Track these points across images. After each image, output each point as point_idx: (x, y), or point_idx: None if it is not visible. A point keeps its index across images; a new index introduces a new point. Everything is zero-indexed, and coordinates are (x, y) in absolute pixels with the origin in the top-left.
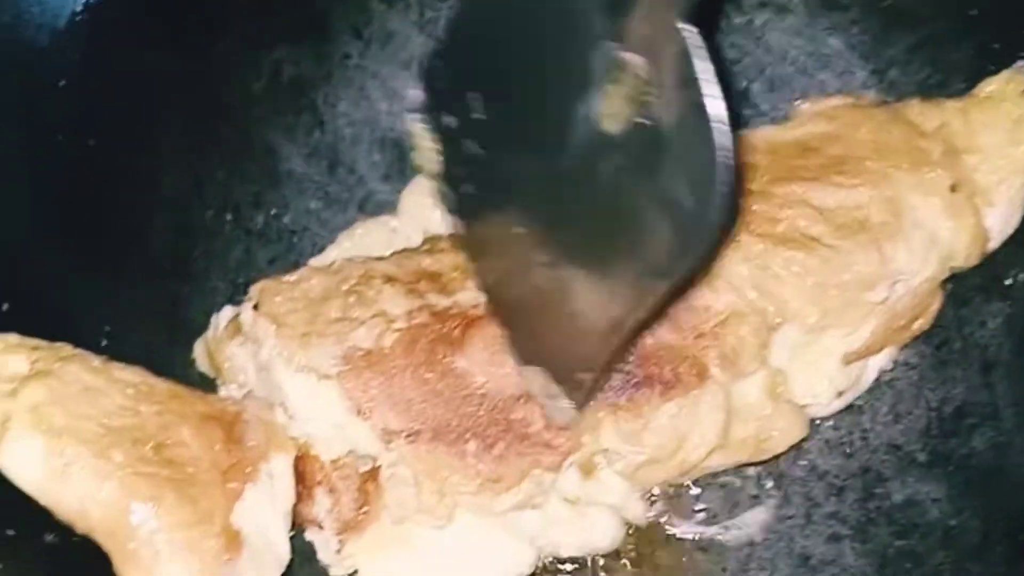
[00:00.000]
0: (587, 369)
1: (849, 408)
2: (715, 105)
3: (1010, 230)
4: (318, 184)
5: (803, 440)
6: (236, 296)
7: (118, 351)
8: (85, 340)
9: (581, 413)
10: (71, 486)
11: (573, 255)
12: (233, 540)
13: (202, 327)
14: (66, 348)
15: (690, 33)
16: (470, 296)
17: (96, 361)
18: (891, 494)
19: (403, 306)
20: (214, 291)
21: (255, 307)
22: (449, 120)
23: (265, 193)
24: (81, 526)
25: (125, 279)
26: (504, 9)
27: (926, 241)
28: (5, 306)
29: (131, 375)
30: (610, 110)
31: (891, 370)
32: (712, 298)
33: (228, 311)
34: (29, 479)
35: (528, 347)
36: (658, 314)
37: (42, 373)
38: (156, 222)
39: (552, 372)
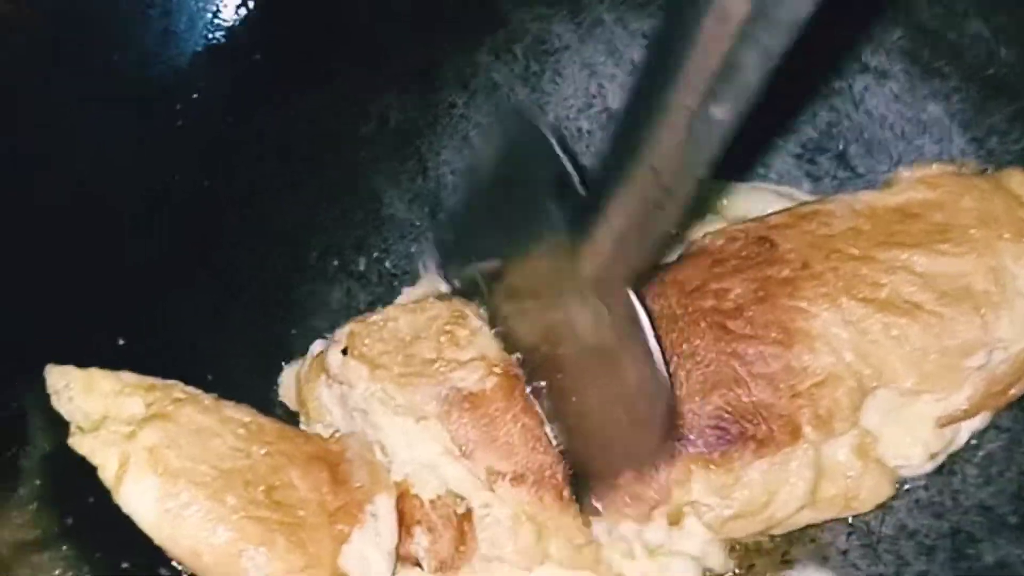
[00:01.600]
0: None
1: (940, 469)
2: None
3: None
4: (419, 229)
5: (893, 499)
6: None
7: (222, 387)
8: (192, 375)
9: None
10: (185, 528)
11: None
12: None
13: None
14: (179, 387)
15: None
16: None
17: (207, 400)
18: (982, 555)
19: (498, 348)
20: (315, 332)
21: (344, 351)
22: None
23: (368, 237)
24: (193, 566)
25: (232, 317)
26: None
27: None
28: (121, 340)
29: (241, 414)
30: (582, 327)
31: (983, 432)
32: (810, 359)
33: (318, 345)
34: (145, 519)
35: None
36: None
37: (158, 415)
38: (263, 262)
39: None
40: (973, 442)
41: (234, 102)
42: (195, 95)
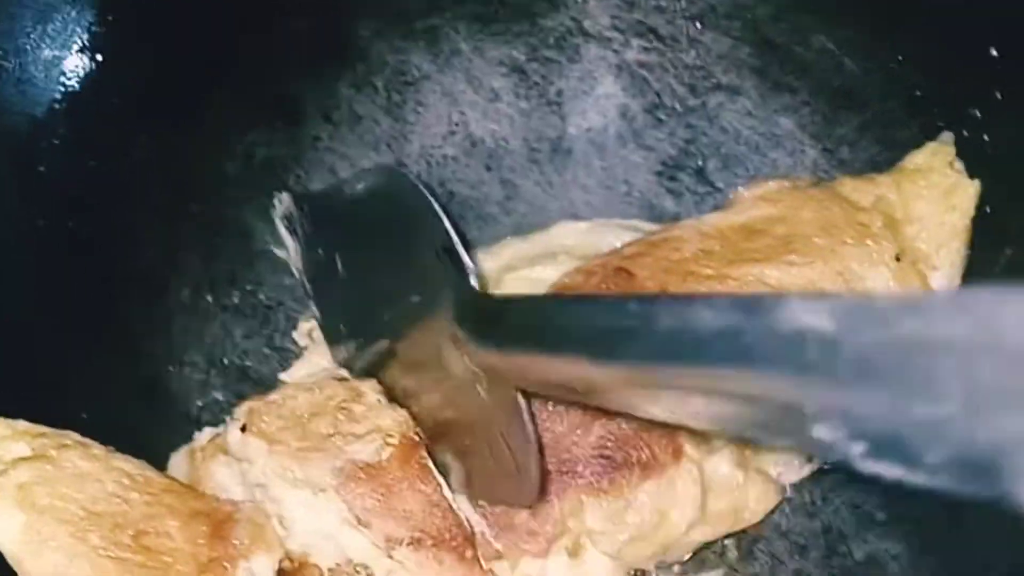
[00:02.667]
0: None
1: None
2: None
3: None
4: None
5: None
6: (213, 370)
7: (99, 428)
8: (67, 418)
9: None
10: (44, 560)
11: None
12: None
13: (180, 403)
14: (72, 436)
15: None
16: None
17: (97, 449)
18: (852, 552)
19: (394, 419)
20: (192, 366)
21: (243, 428)
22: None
23: (240, 271)
24: None
25: (104, 357)
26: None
27: None
28: None
29: (130, 467)
30: (453, 367)
31: None
32: None
33: (207, 432)
34: (7, 550)
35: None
36: None
37: (39, 457)
38: (135, 301)
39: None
40: None
41: (96, 146)
42: (56, 141)
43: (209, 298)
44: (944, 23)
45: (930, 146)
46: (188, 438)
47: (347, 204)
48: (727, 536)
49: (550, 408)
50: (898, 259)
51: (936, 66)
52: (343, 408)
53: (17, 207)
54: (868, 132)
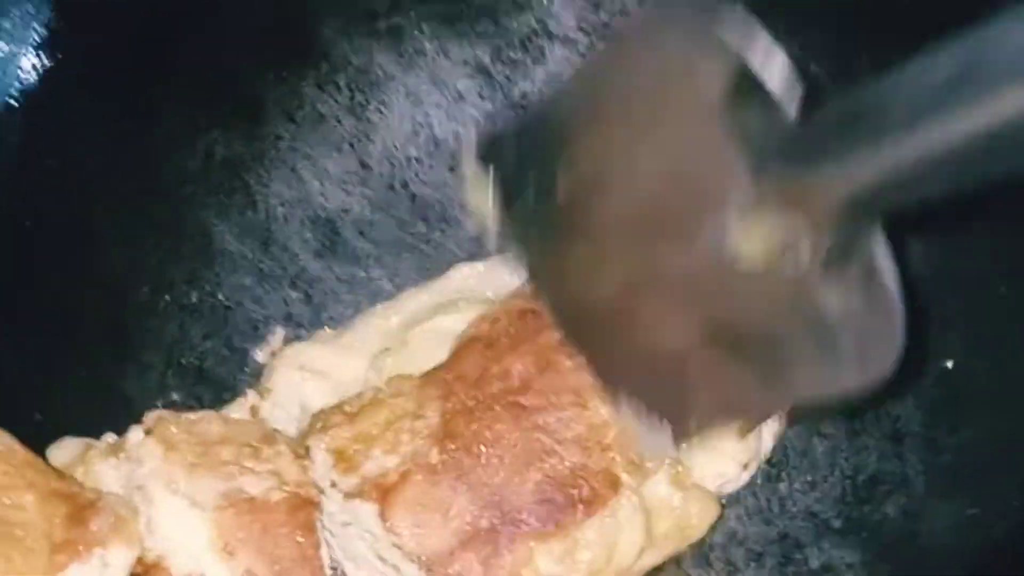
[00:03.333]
0: (703, 425)
1: (767, 477)
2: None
3: None
4: (251, 261)
5: (723, 508)
6: (170, 369)
7: (52, 428)
8: (19, 417)
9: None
10: None
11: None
12: None
13: (137, 404)
14: None
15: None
16: (375, 466)
17: None
18: (808, 560)
19: (299, 476)
20: (149, 367)
21: (147, 431)
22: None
23: (199, 271)
24: None
25: (60, 357)
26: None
27: None
28: None
29: None
30: (746, 249)
31: (808, 439)
32: (608, 411)
33: (110, 436)
34: None
35: (634, 388)
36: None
37: None
38: (91, 301)
39: (663, 415)
40: (798, 448)
41: (54, 145)
42: (13, 139)
43: (167, 298)
44: (916, 30)
45: None
46: None
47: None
48: None
49: (484, 461)
50: None
51: None
52: (252, 447)
53: None
54: None
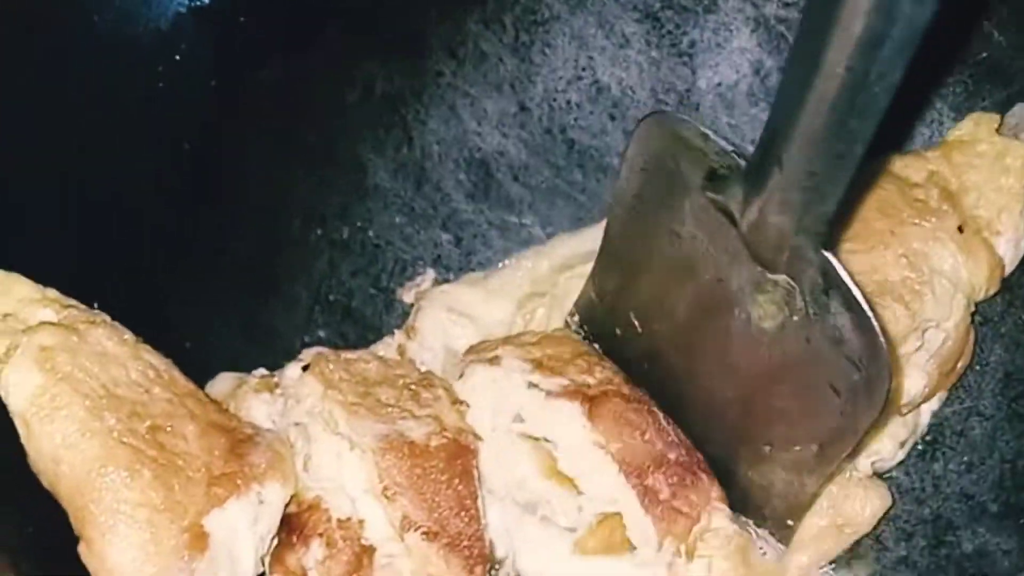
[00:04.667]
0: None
1: (921, 456)
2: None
3: (1021, 253)
4: (403, 200)
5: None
6: (317, 305)
7: (201, 354)
8: (171, 346)
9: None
10: (52, 429)
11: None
12: (198, 540)
13: (283, 338)
14: (102, 316)
15: (827, 257)
16: (576, 377)
17: (128, 335)
18: (961, 543)
19: (457, 422)
20: (297, 302)
21: (305, 368)
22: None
23: (351, 206)
24: (48, 474)
25: (211, 284)
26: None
27: (948, 285)
28: (95, 304)
29: (158, 361)
30: (764, 313)
31: (965, 419)
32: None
33: (260, 371)
34: (16, 408)
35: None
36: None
37: (66, 327)
38: (244, 229)
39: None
40: (956, 429)
41: (217, 65)
42: (177, 56)
43: (318, 232)
44: None
45: (972, 116)
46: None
47: None
48: None
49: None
50: (961, 230)
51: None
52: (411, 389)
53: (134, 120)
54: (1011, 107)
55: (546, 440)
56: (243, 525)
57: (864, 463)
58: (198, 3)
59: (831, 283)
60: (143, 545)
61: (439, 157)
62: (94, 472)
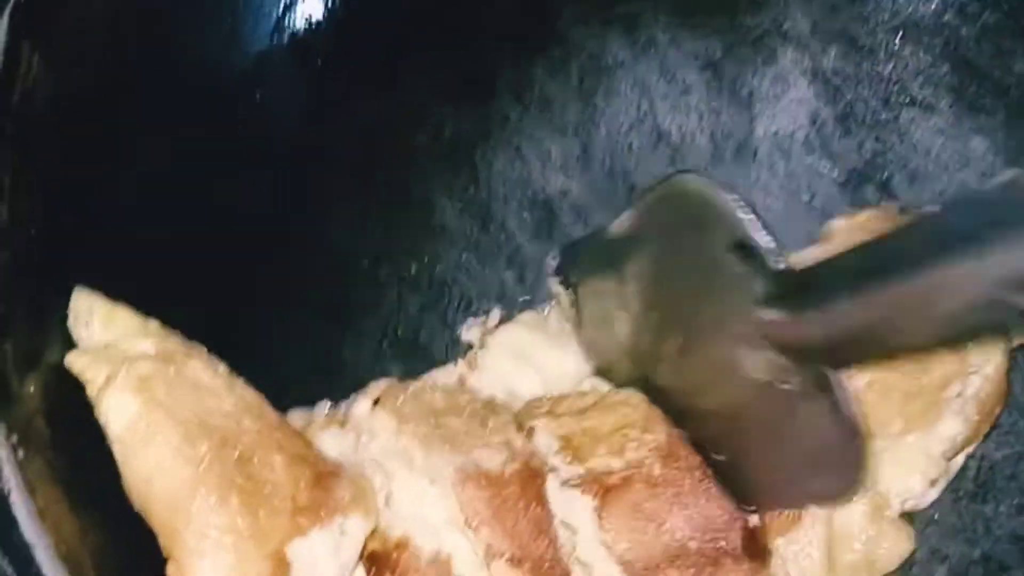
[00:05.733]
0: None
1: (973, 498)
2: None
3: None
4: (470, 238)
5: (927, 524)
6: (386, 339)
7: (271, 388)
8: (240, 375)
9: None
10: (149, 453)
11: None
12: (281, 567)
13: (352, 371)
14: (198, 348)
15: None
16: (600, 463)
17: (222, 368)
18: None
19: (525, 446)
20: (365, 335)
21: (375, 402)
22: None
23: (419, 243)
24: (139, 494)
25: (284, 318)
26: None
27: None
28: None
29: (250, 395)
30: (755, 367)
31: (1016, 463)
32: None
33: (325, 404)
34: (114, 430)
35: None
36: None
37: (165, 359)
38: (317, 266)
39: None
40: (1007, 472)
41: (294, 106)
42: (257, 97)
43: (388, 268)
44: None
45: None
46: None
47: (616, 240)
48: None
49: (703, 487)
50: None
51: None
52: (478, 416)
53: (214, 159)
54: None
55: (565, 524)
56: (325, 555)
57: (895, 502)
58: (279, 45)
59: (827, 387)
60: (228, 569)
61: (504, 197)
62: (185, 496)
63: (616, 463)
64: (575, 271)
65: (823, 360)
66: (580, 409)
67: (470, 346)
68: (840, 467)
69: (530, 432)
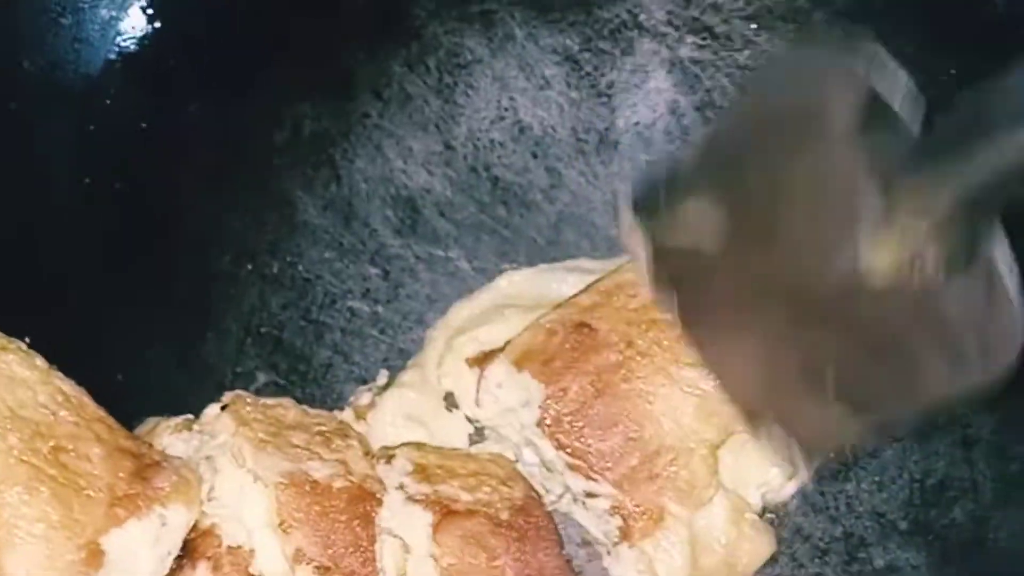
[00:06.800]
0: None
1: (835, 476)
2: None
3: None
4: (332, 235)
5: (787, 503)
6: (249, 337)
7: (133, 389)
8: (103, 377)
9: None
10: None
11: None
12: (95, 558)
13: (215, 370)
14: (15, 342)
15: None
16: (449, 490)
17: (40, 362)
18: (873, 559)
19: (365, 470)
20: (227, 333)
21: (223, 407)
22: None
23: (281, 241)
24: None
25: (143, 319)
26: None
27: None
28: (26, 338)
29: (68, 388)
30: (876, 266)
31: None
32: (659, 439)
33: (177, 420)
34: None
35: (776, 410)
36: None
37: None
38: (177, 265)
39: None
40: (869, 449)
41: (147, 108)
42: (108, 101)
43: (249, 267)
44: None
45: None
46: None
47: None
48: None
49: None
50: None
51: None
52: (324, 436)
53: (66, 164)
54: None
55: (399, 539)
56: (143, 545)
57: (755, 496)
58: (127, 49)
59: (978, 254)
60: (39, 560)
61: (367, 194)
62: None
63: (465, 496)
64: (656, 202)
65: (977, 213)
66: (447, 454)
67: (335, 342)
68: (995, 343)
69: (390, 458)
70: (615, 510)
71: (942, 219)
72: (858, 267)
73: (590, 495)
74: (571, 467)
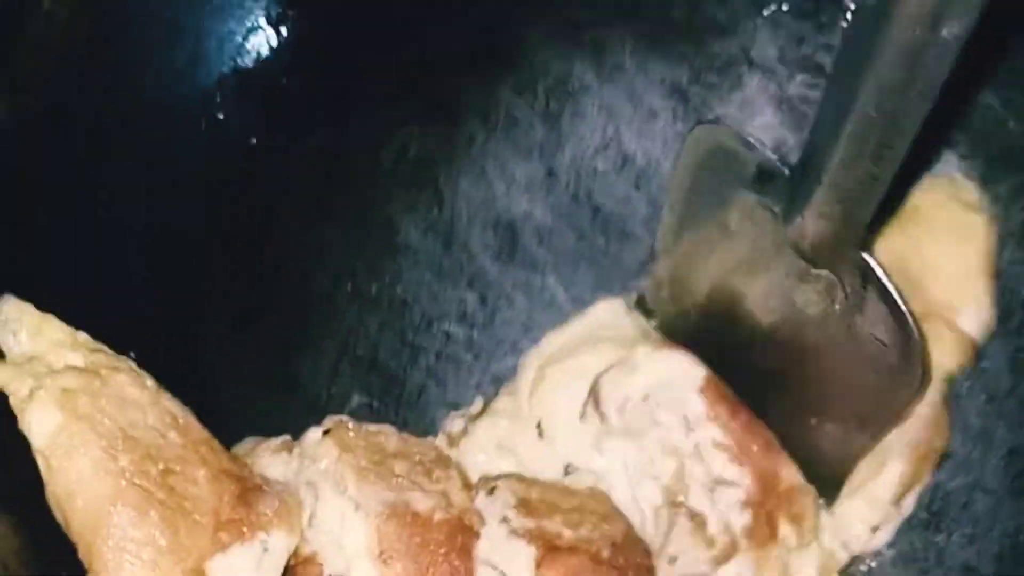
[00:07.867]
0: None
1: (926, 527)
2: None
3: (990, 322)
4: (432, 258)
5: (879, 554)
6: (345, 357)
7: (229, 404)
8: (200, 391)
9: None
10: (70, 466)
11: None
12: None
13: (310, 390)
14: (126, 362)
15: (864, 256)
16: (552, 525)
17: (150, 382)
18: None
19: (465, 502)
20: (323, 353)
21: (325, 432)
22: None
23: (381, 263)
24: (63, 510)
25: (243, 336)
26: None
27: None
28: (131, 353)
29: (176, 409)
30: (807, 301)
31: (971, 491)
32: (785, 468)
33: (275, 441)
34: (38, 444)
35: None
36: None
37: (90, 371)
38: (276, 284)
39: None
40: (959, 502)
41: (258, 125)
42: (220, 115)
43: (348, 287)
44: None
45: (929, 181)
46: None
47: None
48: None
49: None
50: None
51: None
52: (425, 466)
53: (173, 179)
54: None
55: (501, 571)
56: (245, 571)
57: (841, 554)
58: (243, 65)
59: (868, 278)
60: None
61: (468, 218)
62: (104, 510)
63: (568, 532)
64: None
65: (852, 238)
66: (548, 488)
67: (429, 365)
68: (902, 367)
69: (492, 489)
70: (747, 505)
71: (828, 259)
72: (796, 307)
73: (726, 483)
74: (718, 446)
